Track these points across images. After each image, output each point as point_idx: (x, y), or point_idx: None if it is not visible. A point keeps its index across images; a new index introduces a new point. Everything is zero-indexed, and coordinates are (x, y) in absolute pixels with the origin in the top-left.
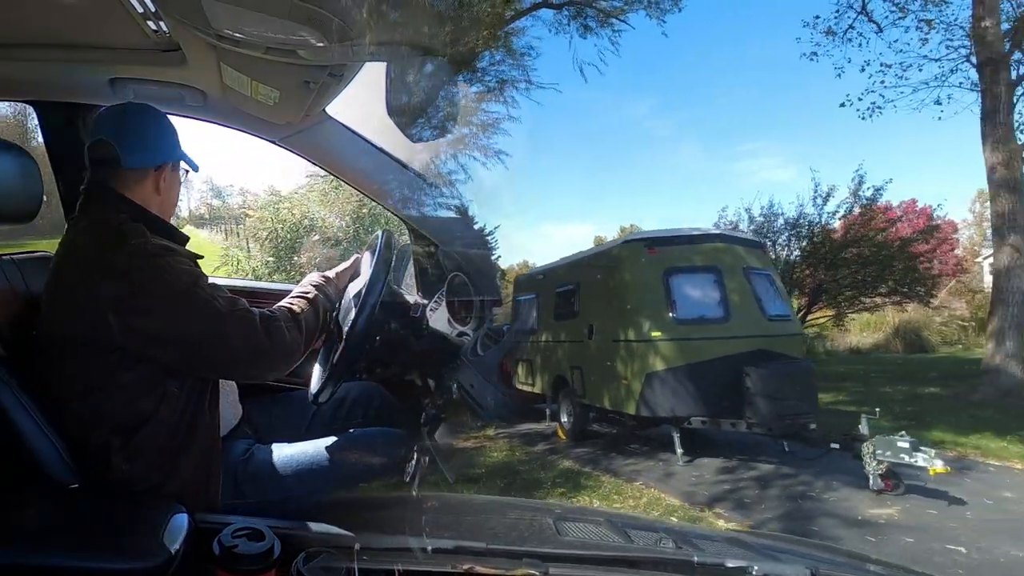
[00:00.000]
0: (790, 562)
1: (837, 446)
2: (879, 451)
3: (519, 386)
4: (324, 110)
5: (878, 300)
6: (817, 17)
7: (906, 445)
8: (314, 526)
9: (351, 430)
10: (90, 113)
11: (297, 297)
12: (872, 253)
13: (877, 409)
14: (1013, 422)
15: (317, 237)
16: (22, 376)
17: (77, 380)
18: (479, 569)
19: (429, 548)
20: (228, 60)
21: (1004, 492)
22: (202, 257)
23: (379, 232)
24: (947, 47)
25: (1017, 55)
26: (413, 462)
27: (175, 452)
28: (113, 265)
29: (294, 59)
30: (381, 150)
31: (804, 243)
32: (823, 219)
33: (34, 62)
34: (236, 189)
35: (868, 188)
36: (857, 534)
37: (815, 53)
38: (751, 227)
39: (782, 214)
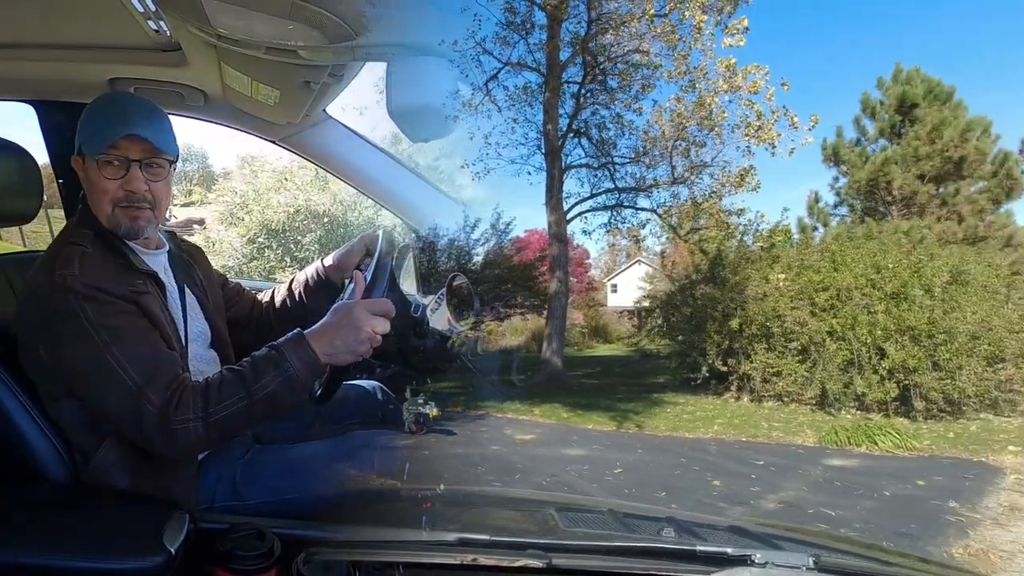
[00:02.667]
0: (791, 550)
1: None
2: (411, 407)
3: None
4: (324, 110)
5: (512, 311)
6: (458, 90)
7: (421, 401)
8: (314, 525)
9: (350, 432)
10: None
11: (253, 376)
12: (506, 273)
13: (414, 381)
14: (539, 394)
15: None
16: (22, 375)
17: (44, 394)
18: (483, 561)
19: (430, 540)
20: (228, 60)
21: (483, 428)
22: (152, 276)
23: (379, 232)
24: (527, 137)
25: (566, 150)
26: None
27: (138, 471)
28: (36, 292)
29: (294, 59)
30: (381, 150)
31: (455, 263)
32: (470, 244)
33: (34, 62)
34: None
35: (503, 222)
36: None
37: (458, 116)
38: (417, 244)
39: (446, 235)
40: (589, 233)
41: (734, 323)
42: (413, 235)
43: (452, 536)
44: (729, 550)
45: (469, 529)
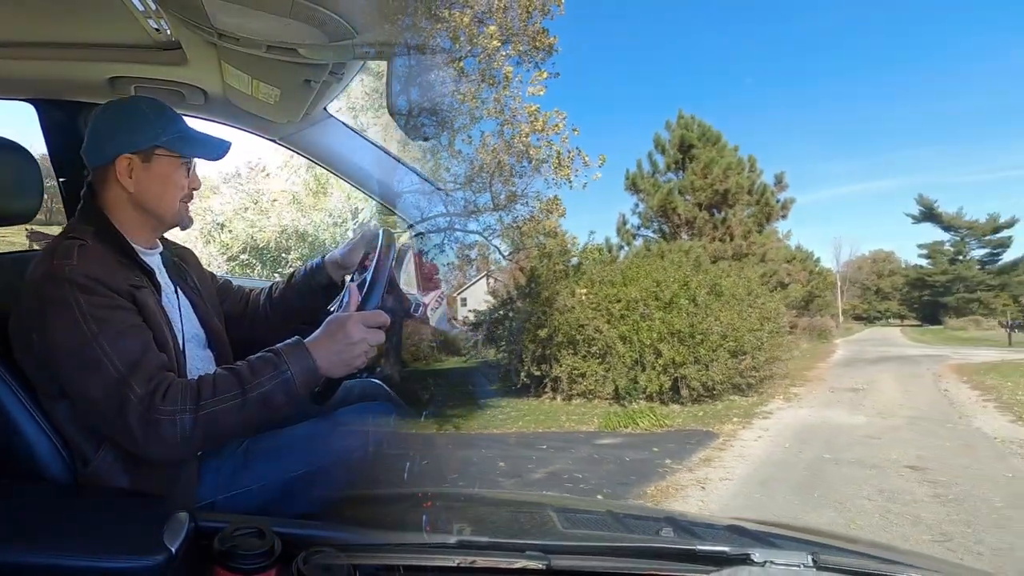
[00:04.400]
0: (791, 548)
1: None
2: None
3: None
4: (325, 108)
5: None
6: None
7: None
8: (315, 524)
9: (342, 409)
10: (90, 112)
11: (244, 382)
12: None
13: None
14: None
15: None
16: (22, 373)
17: (41, 391)
18: (482, 563)
19: (429, 543)
20: (229, 59)
21: None
22: (150, 274)
23: (379, 230)
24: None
25: (398, 176)
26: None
27: (137, 471)
28: (34, 281)
29: (295, 58)
30: (382, 148)
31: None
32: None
33: (34, 61)
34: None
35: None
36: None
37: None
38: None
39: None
40: (426, 253)
41: (543, 333)
42: (414, 234)
43: (451, 538)
44: (728, 549)
45: (468, 531)
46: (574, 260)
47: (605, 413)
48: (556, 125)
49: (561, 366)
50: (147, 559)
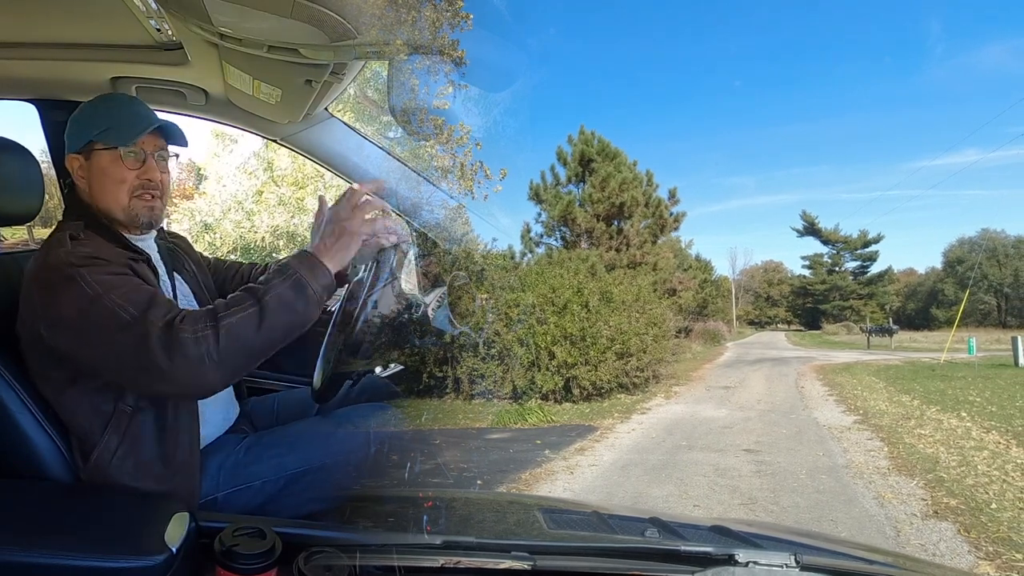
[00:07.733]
0: (774, 548)
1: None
2: None
3: None
4: (326, 109)
5: None
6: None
7: None
8: (315, 524)
9: (346, 407)
10: None
11: (258, 294)
12: None
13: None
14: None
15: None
16: (23, 371)
17: (46, 383)
18: (467, 563)
19: (415, 543)
20: (230, 59)
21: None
22: (146, 257)
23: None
24: None
25: None
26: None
27: (139, 466)
28: (34, 275)
29: (296, 58)
30: (383, 148)
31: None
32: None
33: (36, 61)
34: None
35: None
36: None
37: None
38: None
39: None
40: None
41: (445, 337)
42: (415, 234)
43: (437, 539)
44: (712, 550)
45: (453, 531)
46: (479, 267)
47: (499, 411)
48: (460, 138)
49: (462, 367)
50: (148, 559)
